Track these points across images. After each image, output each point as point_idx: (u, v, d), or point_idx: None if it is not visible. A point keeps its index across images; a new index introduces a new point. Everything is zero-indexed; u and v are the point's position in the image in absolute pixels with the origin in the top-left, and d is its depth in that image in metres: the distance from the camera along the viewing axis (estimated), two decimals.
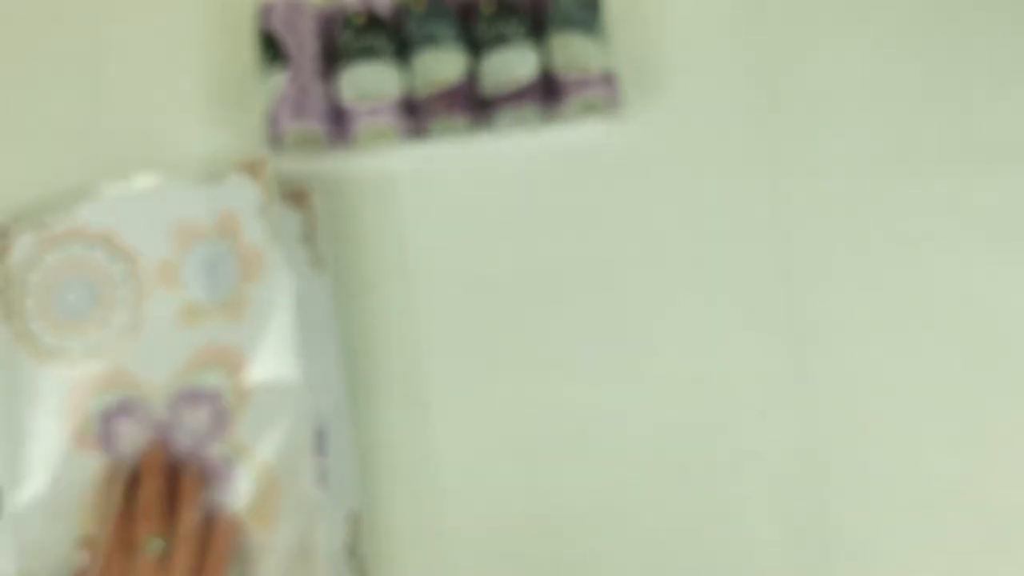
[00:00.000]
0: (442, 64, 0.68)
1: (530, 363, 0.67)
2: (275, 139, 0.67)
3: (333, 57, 0.69)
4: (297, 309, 0.63)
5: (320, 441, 0.62)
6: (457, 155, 0.70)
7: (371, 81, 0.68)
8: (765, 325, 0.67)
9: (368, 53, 0.68)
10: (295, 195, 0.67)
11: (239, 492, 0.62)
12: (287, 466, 0.62)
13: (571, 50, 0.68)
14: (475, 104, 0.68)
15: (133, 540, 0.59)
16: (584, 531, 0.65)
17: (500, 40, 0.68)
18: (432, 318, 0.68)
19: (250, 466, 0.62)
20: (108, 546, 0.60)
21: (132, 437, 0.63)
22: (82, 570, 0.61)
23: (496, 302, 0.68)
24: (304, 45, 0.68)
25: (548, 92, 0.68)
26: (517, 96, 0.68)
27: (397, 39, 0.69)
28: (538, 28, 0.69)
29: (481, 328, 0.68)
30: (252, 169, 0.66)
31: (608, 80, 0.68)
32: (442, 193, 0.70)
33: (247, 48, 0.70)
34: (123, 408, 0.63)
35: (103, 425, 0.63)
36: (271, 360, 0.63)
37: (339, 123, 0.68)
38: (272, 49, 0.68)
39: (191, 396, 0.63)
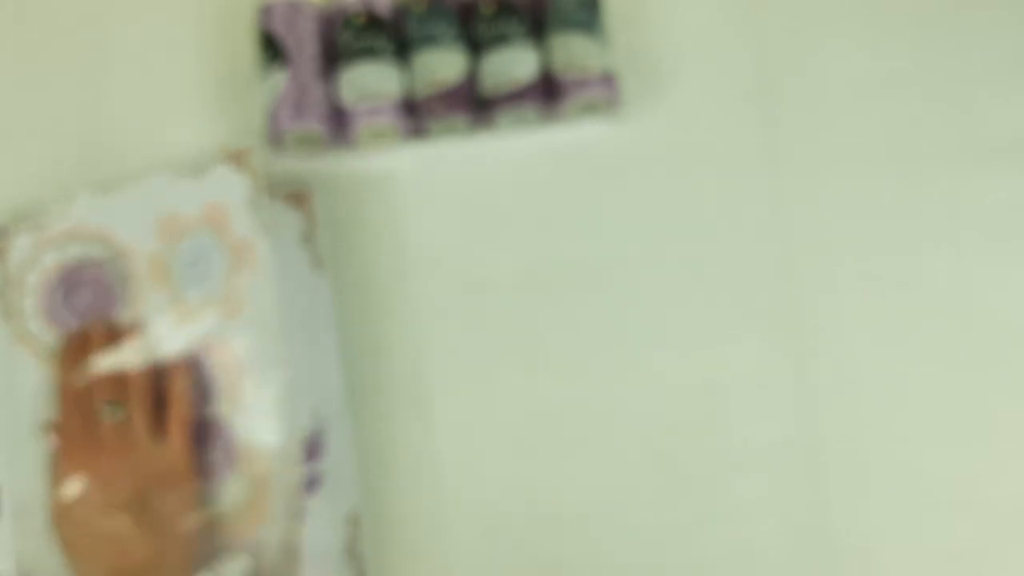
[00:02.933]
0: (442, 64, 0.68)
1: (530, 363, 0.67)
2: (275, 139, 0.67)
3: (333, 57, 0.69)
4: (280, 304, 0.63)
5: (313, 444, 0.62)
6: (457, 155, 0.70)
7: (371, 81, 0.68)
8: (765, 324, 0.67)
9: (368, 53, 0.68)
10: (295, 195, 0.67)
11: (230, 490, 0.62)
12: (277, 466, 0.61)
13: (571, 50, 0.68)
14: (475, 104, 0.68)
15: (91, 411, 0.61)
16: (584, 530, 0.65)
17: (500, 40, 0.68)
18: (432, 318, 0.68)
19: (241, 463, 0.62)
20: (68, 421, 0.61)
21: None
22: (51, 452, 0.62)
23: (496, 302, 0.68)
24: (304, 45, 0.68)
25: (548, 92, 0.68)
26: (517, 96, 0.68)
27: (397, 39, 0.69)
28: (538, 28, 0.69)
29: (481, 328, 0.68)
30: (237, 160, 0.65)
31: (608, 80, 0.68)
32: (442, 193, 0.70)
33: (247, 48, 0.70)
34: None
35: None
36: (260, 357, 0.62)
37: (339, 123, 0.68)
38: (272, 49, 0.68)
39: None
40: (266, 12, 0.69)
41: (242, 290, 0.63)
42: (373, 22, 0.69)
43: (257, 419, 0.62)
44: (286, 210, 0.66)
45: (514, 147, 0.70)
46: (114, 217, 0.66)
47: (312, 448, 0.62)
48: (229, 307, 0.63)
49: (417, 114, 0.68)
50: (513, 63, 0.68)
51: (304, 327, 0.64)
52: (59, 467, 0.61)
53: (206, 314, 0.63)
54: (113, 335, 0.63)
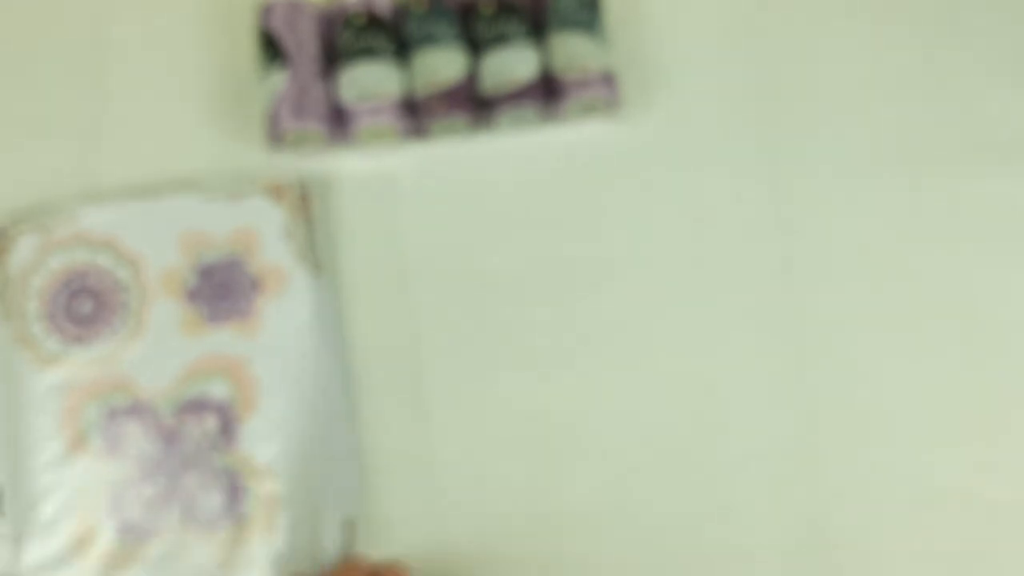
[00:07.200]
0: (442, 64, 0.68)
1: (530, 363, 0.67)
2: (275, 139, 0.67)
3: (333, 57, 0.69)
4: (318, 331, 0.64)
5: (325, 448, 0.63)
6: (457, 155, 0.70)
7: (371, 81, 0.68)
8: (765, 324, 0.67)
9: (368, 53, 0.68)
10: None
11: (245, 503, 0.62)
12: (292, 476, 0.62)
13: (571, 50, 0.68)
14: (475, 104, 0.68)
15: None
16: (584, 531, 0.65)
17: (500, 40, 0.68)
18: (431, 318, 0.68)
19: (254, 477, 0.62)
20: None
21: (137, 440, 0.63)
22: None
23: (496, 302, 0.68)
24: (304, 45, 0.68)
25: (548, 92, 0.68)
26: (517, 96, 0.68)
27: (397, 39, 0.69)
28: (538, 28, 0.69)
29: (480, 328, 0.68)
30: (277, 193, 0.66)
31: (608, 80, 0.68)
32: (442, 193, 0.70)
33: (247, 48, 0.70)
34: (129, 411, 0.63)
35: (107, 426, 0.63)
36: (283, 376, 0.63)
37: (339, 123, 0.68)
38: (272, 49, 0.68)
39: (198, 405, 0.63)
40: (266, 12, 0.69)
41: (264, 313, 0.64)
42: (373, 22, 0.69)
43: (271, 433, 0.63)
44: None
45: (514, 147, 0.70)
46: (128, 226, 0.66)
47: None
48: (246, 326, 0.64)
49: (417, 114, 0.68)
50: (513, 63, 0.68)
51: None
52: None
53: (221, 328, 0.64)
54: None
